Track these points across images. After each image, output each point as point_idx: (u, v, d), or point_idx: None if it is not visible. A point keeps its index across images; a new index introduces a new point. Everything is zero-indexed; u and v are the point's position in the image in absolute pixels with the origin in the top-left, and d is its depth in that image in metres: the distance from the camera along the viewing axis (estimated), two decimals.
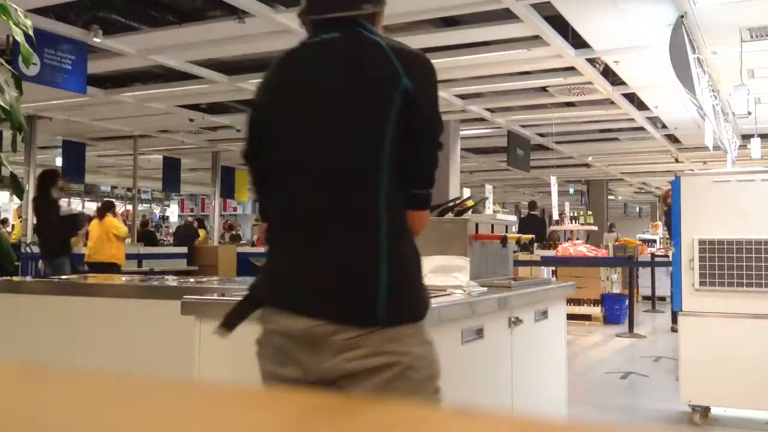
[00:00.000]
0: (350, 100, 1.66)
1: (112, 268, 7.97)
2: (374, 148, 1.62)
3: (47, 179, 7.19)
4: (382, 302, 1.58)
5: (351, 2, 1.71)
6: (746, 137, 11.19)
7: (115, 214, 8.68)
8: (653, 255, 10.17)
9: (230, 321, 1.73)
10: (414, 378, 1.62)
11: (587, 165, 17.02)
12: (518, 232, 12.54)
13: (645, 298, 11.45)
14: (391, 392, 1.61)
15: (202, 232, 14.79)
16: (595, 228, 13.94)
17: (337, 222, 1.63)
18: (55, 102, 9.77)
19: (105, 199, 13.53)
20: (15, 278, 4.45)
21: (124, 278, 4.24)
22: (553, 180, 13.34)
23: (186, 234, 13.71)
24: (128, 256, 11.21)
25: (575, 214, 14.35)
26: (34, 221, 8.04)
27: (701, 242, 4.30)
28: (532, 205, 13.67)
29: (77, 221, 7.58)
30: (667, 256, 9.21)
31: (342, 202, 1.64)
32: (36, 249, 9.86)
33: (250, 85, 9.07)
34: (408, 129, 1.63)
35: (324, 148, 1.67)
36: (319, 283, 1.62)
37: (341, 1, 1.72)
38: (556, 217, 13.71)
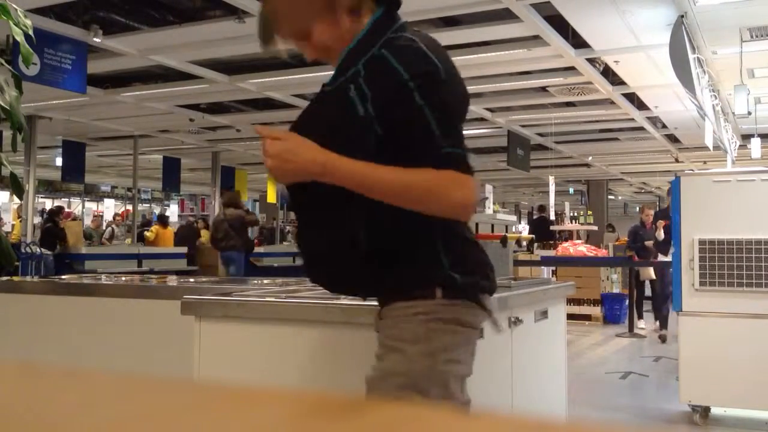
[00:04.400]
0: None
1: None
2: None
3: None
4: None
5: None
6: (746, 137, 11.19)
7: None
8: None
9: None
10: None
11: (587, 165, 17.02)
12: (529, 233, 12.62)
13: (645, 298, 11.44)
14: None
15: (205, 233, 14.77)
16: (595, 228, 13.96)
17: None
18: (55, 102, 9.77)
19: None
20: (15, 278, 4.45)
21: (124, 278, 4.24)
22: (551, 180, 13.35)
23: (187, 234, 13.73)
24: (127, 257, 11.24)
25: (575, 214, 14.36)
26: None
27: (701, 242, 4.30)
28: (542, 208, 13.99)
29: None
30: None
31: None
32: (36, 249, 9.87)
33: (250, 85, 9.08)
34: None
35: None
36: None
37: None
38: (553, 216, 13.84)
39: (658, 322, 8.45)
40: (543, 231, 12.62)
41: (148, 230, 13.51)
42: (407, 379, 1.57)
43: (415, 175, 1.51)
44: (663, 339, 8.03)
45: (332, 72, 1.67)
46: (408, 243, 1.62)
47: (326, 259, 1.69)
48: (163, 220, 13.81)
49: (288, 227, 20.06)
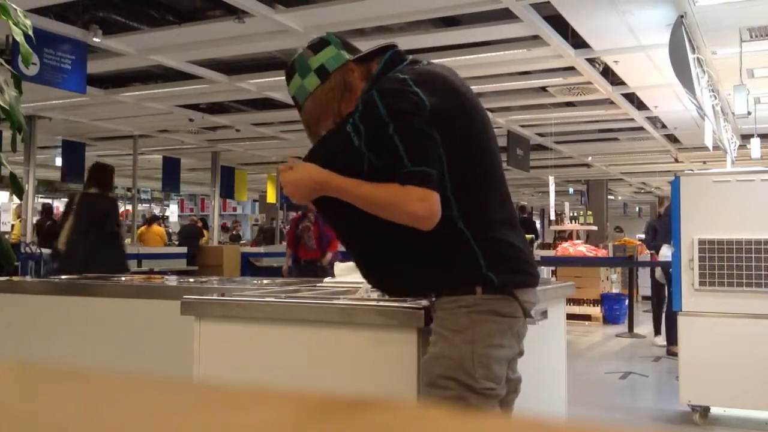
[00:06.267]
0: None
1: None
2: None
3: None
4: None
5: None
6: (746, 137, 11.17)
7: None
8: (653, 255, 10.17)
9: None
10: None
11: (587, 165, 17.02)
12: None
13: (645, 298, 11.44)
14: None
15: (207, 233, 14.81)
16: (595, 228, 13.96)
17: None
18: (54, 102, 9.76)
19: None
20: (15, 278, 4.45)
21: (123, 278, 4.24)
22: (551, 180, 13.36)
23: (191, 233, 13.75)
24: (127, 257, 11.22)
25: (575, 214, 14.36)
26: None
27: (701, 242, 4.30)
28: (522, 208, 14.22)
29: None
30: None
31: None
32: (36, 249, 9.87)
33: (249, 85, 9.08)
34: None
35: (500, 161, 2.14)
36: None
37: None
38: (552, 216, 13.85)
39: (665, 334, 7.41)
40: (527, 231, 12.64)
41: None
42: (453, 361, 1.86)
43: (381, 189, 1.84)
44: (672, 353, 6.55)
45: None
46: (450, 250, 1.91)
47: (376, 265, 2.05)
48: (149, 221, 13.81)
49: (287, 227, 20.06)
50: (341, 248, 8.09)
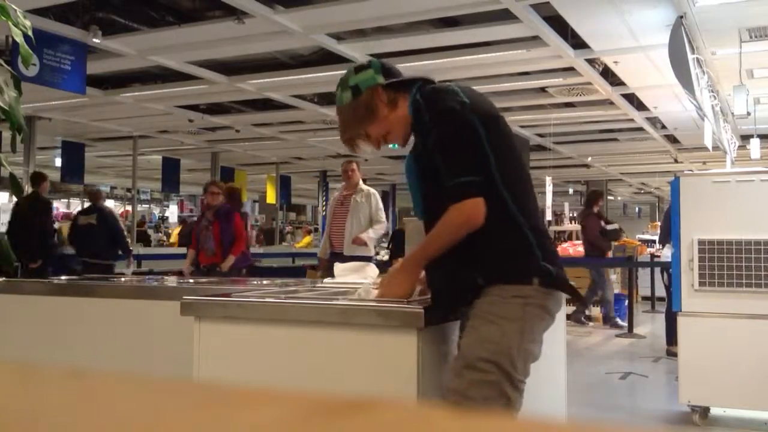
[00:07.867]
0: None
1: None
2: None
3: (593, 199, 9.54)
4: None
5: None
6: (745, 137, 11.18)
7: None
8: (653, 255, 10.16)
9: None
10: None
11: (586, 165, 17.02)
12: None
13: (644, 298, 11.44)
14: None
15: None
16: None
17: None
18: (54, 102, 9.77)
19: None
20: (14, 278, 4.45)
21: (123, 279, 4.24)
22: (549, 180, 13.36)
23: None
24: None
25: (575, 215, 14.37)
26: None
27: (701, 242, 4.30)
28: None
29: (616, 234, 9.64)
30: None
31: None
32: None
33: (249, 85, 9.08)
34: None
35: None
36: None
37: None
38: (549, 217, 13.87)
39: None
40: None
41: None
42: (499, 347, 1.87)
43: (437, 230, 1.96)
44: (672, 353, 6.36)
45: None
46: (507, 238, 1.96)
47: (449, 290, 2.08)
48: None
49: (287, 228, 20.06)
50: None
